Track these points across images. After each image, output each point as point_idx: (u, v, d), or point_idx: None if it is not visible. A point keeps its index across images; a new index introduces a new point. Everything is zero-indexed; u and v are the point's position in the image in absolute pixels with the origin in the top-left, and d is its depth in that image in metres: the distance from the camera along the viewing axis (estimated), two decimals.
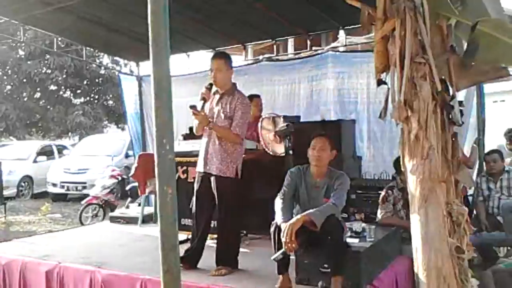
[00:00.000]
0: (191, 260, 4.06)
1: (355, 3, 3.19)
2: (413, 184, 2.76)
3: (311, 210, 3.30)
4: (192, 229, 4.26)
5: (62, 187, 12.25)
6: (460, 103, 3.06)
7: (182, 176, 5.16)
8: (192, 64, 8.37)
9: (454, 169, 2.86)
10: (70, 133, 21.03)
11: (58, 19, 6.26)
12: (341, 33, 9.67)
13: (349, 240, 3.63)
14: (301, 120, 5.88)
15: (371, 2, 3.10)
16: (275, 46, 7.88)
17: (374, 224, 4.11)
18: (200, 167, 4.16)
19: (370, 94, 6.37)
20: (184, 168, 5.15)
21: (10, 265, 4.58)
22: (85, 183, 11.78)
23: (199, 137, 4.39)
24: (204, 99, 4.09)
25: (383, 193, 4.52)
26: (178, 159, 5.12)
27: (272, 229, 3.38)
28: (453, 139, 2.98)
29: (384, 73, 3.10)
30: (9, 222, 9.13)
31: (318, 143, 3.64)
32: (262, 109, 5.79)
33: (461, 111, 3.04)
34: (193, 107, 4.00)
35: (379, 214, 4.46)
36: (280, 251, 3.24)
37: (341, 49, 7.58)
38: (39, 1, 5.52)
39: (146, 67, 8.96)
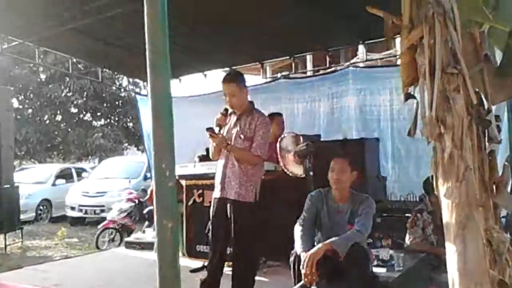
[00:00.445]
0: None
1: (377, 12, 2.92)
2: (448, 210, 2.45)
3: (333, 238, 3.04)
4: (209, 258, 3.98)
5: (80, 210, 12.09)
6: (497, 117, 2.76)
7: (198, 200, 4.99)
8: (210, 84, 8.23)
9: (492, 192, 2.55)
10: (90, 156, 21.08)
11: (71, 40, 6.19)
12: (360, 48, 9.45)
13: (375, 269, 3.36)
14: (322, 139, 5.64)
15: (395, 10, 2.85)
16: (293, 64, 7.70)
17: (402, 251, 3.82)
18: (216, 193, 3.89)
19: (393, 111, 6.13)
20: (200, 191, 4.97)
21: None
22: (103, 206, 11.61)
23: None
24: (220, 126, 3.88)
25: (411, 217, 4.22)
26: (193, 182, 5.02)
27: (291, 259, 3.12)
28: (490, 158, 2.66)
29: (412, 87, 2.81)
30: (26, 247, 8.98)
31: (337, 165, 3.41)
32: (284, 128, 5.57)
33: (497, 126, 2.73)
34: (209, 129, 3.79)
35: (408, 240, 4.16)
36: (299, 284, 2.98)
37: (361, 65, 7.34)
38: (51, 23, 5.44)
39: None
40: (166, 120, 1.62)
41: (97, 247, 8.05)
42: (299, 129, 6.03)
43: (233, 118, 3.93)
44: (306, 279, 2.90)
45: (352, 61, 8.64)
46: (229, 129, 3.91)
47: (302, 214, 3.38)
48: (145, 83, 16.05)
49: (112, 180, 12.46)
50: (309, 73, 10.13)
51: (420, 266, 3.75)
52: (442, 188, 2.55)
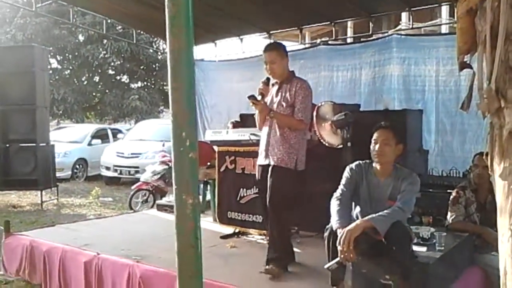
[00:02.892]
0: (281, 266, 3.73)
1: None
2: (503, 193, 2.22)
3: (373, 215, 2.86)
4: (267, 231, 4.07)
5: (115, 170, 12.24)
6: None
7: (230, 167, 4.88)
8: (246, 48, 8.03)
9: None
10: (126, 117, 21.30)
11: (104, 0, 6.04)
12: (404, 17, 8.97)
13: (415, 248, 3.17)
14: (362, 109, 5.43)
15: None
16: (333, 30, 7.39)
17: (444, 229, 3.62)
18: (261, 160, 3.94)
19: (439, 82, 5.83)
20: (232, 158, 4.86)
21: (51, 252, 4.48)
22: (137, 167, 11.69)
23: (249, 125, 4.21)
24: (262, 94, 3.92)
25: (453, 193, 4.00)
26: (226, 148, 4.92)
27: (326, 234, 2.96)
28: None
29: (468, 56, 2.54)
30: (61, 205, 9.17)
31: (381, 136, 3.19)
32: None
33: None
34: (251, 96, 3.82)
35: (449, 217, 3.94)
36: (335, 260, 2.82)
37: (405, 33, 6.98)
38: None
39: (199, 51, 8.68)
40: (186, 81, 1.39)
41: (130, 208, 8.16)
42: (338, 97, 5.90)
43: (275, 88, 3.97)
44: (342, 256, 2.75)
45: (395, 29, 8.26)
46: (272, 99, 3.96)
47: (340, 187, 3.20)
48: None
49: (147, 142, 12.50)
50: (349, 40, 9.78)
51: (462, 246, 3.55)
52: (497, 168, 2.32)
